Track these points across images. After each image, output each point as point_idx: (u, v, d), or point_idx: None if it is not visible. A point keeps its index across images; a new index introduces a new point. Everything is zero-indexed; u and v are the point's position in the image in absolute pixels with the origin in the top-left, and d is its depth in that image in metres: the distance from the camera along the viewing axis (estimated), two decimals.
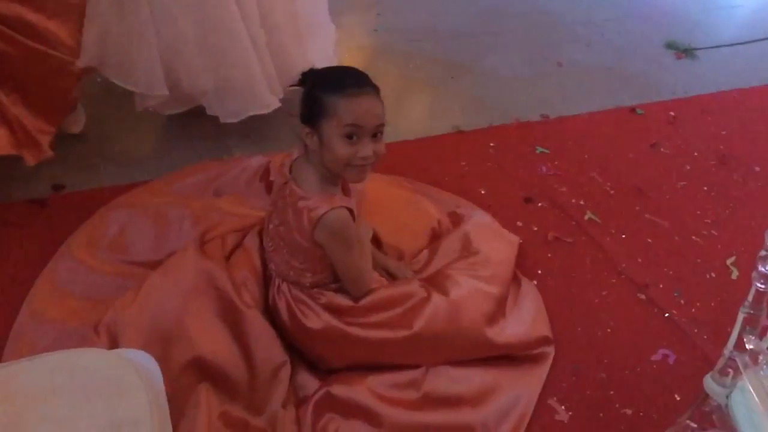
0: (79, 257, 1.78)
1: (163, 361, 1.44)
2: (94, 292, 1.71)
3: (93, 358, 1.00)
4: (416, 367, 1.59)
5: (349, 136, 1.43)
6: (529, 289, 1.88)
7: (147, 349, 1.44)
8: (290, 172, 1.55)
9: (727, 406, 1.09)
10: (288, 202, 1.51)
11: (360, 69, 1.52)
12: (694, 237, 2.19)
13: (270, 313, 1.62)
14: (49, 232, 1.90)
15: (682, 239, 2.17)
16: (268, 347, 1.52)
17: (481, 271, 1.75)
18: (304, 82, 1.51)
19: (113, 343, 1.52)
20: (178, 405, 1.43)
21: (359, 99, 1.43)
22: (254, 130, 2.40)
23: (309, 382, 1.58)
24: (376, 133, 1.46)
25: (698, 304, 1.94)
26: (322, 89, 1.45)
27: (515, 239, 1.99)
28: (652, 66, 3.26)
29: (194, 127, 2.42)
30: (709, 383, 1.11)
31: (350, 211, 1.51)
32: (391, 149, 1.76)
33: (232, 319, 1.53)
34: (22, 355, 1.56)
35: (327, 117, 1.43)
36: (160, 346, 1.49)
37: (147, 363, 1.04)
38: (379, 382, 1.55)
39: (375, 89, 1.48)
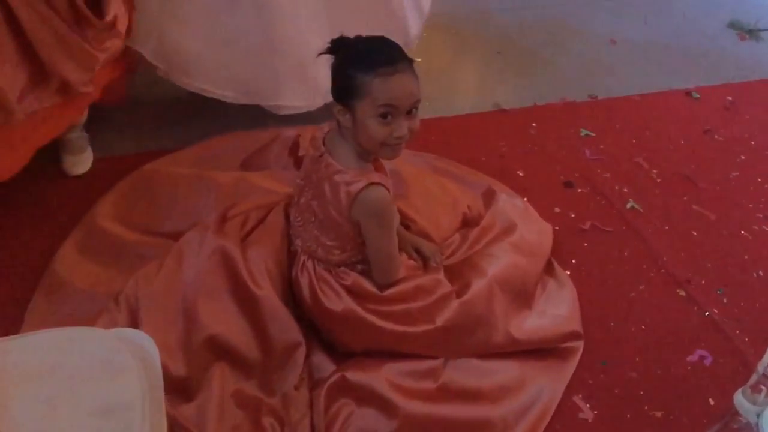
0: (102, 225, 1.77)
1: (183, 339, 1.47)
2: (117, 260, 1.70)
3: (89, 338, 0.97)
4: (435, 357, 1.54)
5: (384, 116, 1.38)
6: (563, 280, 1.81)
7: (168, 327, 1.48)
8: (323, 145, 1.51)
9: (757, 425, 1.01)
10: (323, 175, 1.47)
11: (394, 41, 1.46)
12: (743, 231, 2.07)
13: (291, 290, 1.59)
14: (75, 198, 1.89)
15: (729, 233, 2.06)
16: (283, 328, 1.49)
17: (517, 249, 1.71)
18: (334, 51, 1.45)
19: (132, 316, 1.53)
20: (195, 383, 1.44)
21: (393, 78, 1.37)
22: None
23: (325, 363, 1.55)
24: (410, 110, 1.41)
25: (742, 303, 1.84)
26: (354, 67, 1.39)
27: (548, 227, 1.91)
28: (712, 47, 3.09)
29: None
30: (740, 400, 1.04)
31: (387, 189, 1.47)
32: (429, 126, 1.70)
33: (245, 300, 1.50)
34: (42, 320, 1.58)
35: (360, 97, 1.38)
36: (181, 324, 1.49)
37: (145, 344, 1.01)
38: (397, 369, 1.51)
39: (409, 63, 1.41)
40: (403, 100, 1.38)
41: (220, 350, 1.46)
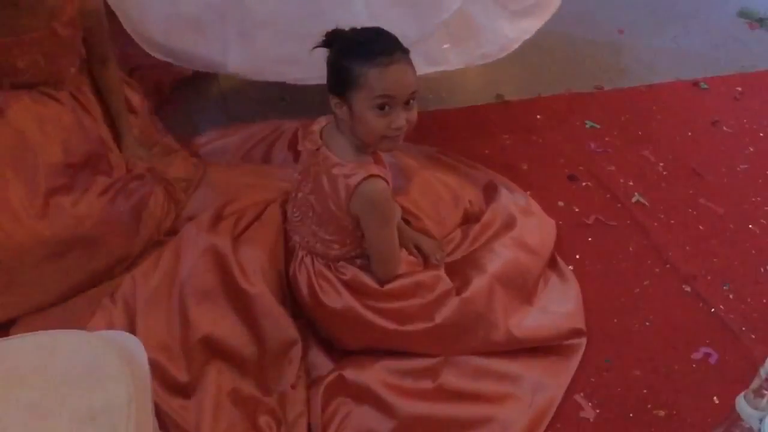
0: None
1: (181, 337, 1.46)
2: None
3: (75, 341, 0.95)
4: (435, 355, 1.52)
5: (381, 107, 1.37)
6: (566, 275, 1.78)
7: (166, 327, 1.47)
8: (320, 138, 1.49)
9: (760, 430, 0.99)
10: (321, 169, 1.46)
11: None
12: (750, 226, 2.03)
13: (289, 287, 1.58)
14: None
15: (736, 228, 2.02)
16: (277, 326, 1.48)
17: (518, 245, 1.69)
18: (329, 44, 1.43)
19: (129, 314, 1.52)
20: (192, 382, 1.42)
21: (390, 68, 1.36)
22: (291, 94, 2.33)
23: (322, 361, 1.54)
24: (408, 101, 1.39)
25: (749, 300, 1.80)
26: (350, 58, 1.38)
27: (551, 222, 1.88)
28: (721, 36, 3.04)
29: (227, 87, 2.36)
30: (742, 404, 1.01)
31: (386, 182, 1.45)
32: (431, 118, 1.67)
33: (238, 298, 1.49)
34: (37, 318, 1.56)
35: (356, 88, 1.36)
36: (177, 324, 1.48)
37: (132, 346, 0.99)
38: (395, 368, 1.49)
39: (405, 53, 1.40)
40: (400, 91, 1.37)
41: (214, 350, 1.45)
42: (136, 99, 1.88)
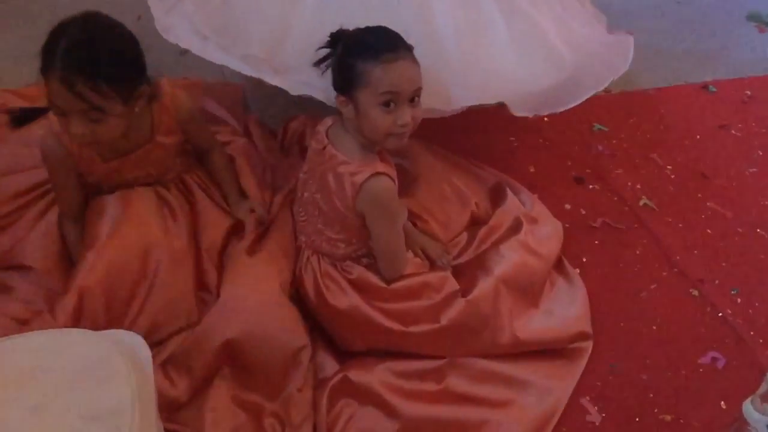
0: None
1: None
2: None
3: (79, 340, 0.95)
4: (440, 357, 1.52)
5: (386, 104, 1.38)
6: (573, 278, 1.77)
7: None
8: (326, 138, 1.50)
9: None
10: (327, 167, 1.46)
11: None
12: (759, 230, 2.01)
13: (296, 286, 1.57)
14: None
15: (745, 232, 2.00)
16: (288, 331, 1.47)
17: (524, 247, 1.68)
18: (334, 45, 1.44)
19: None
20: (200, 384, 1.42)
21: (394, 65, 1.37)
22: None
23: (327, 363, 1.54)
24: (413, 98, 1.40)
25: (757, 304, 1.79)
26: (355, 56, 1.39)
27: (558, 225, 1.87)
28: (730, 39, 3.01)
29: None
30: (749, 409, 1.00)
31: (392, 180, 1.46)
32: (436, 120, 1.67)
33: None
34: None
35: (362, 86, 1.38)
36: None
37: (136, 345, 0.99)
38: (399, 369, 1.49)
39: (409, 50, 1.42)
40: (405, 87, 1.38)
41: (220, 355, 1.44)
42: None
